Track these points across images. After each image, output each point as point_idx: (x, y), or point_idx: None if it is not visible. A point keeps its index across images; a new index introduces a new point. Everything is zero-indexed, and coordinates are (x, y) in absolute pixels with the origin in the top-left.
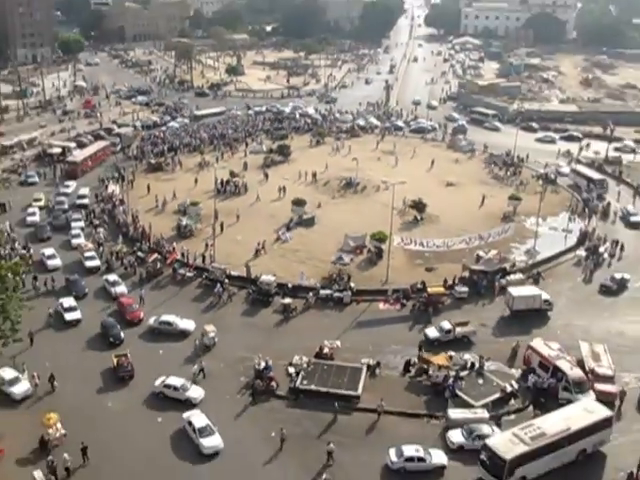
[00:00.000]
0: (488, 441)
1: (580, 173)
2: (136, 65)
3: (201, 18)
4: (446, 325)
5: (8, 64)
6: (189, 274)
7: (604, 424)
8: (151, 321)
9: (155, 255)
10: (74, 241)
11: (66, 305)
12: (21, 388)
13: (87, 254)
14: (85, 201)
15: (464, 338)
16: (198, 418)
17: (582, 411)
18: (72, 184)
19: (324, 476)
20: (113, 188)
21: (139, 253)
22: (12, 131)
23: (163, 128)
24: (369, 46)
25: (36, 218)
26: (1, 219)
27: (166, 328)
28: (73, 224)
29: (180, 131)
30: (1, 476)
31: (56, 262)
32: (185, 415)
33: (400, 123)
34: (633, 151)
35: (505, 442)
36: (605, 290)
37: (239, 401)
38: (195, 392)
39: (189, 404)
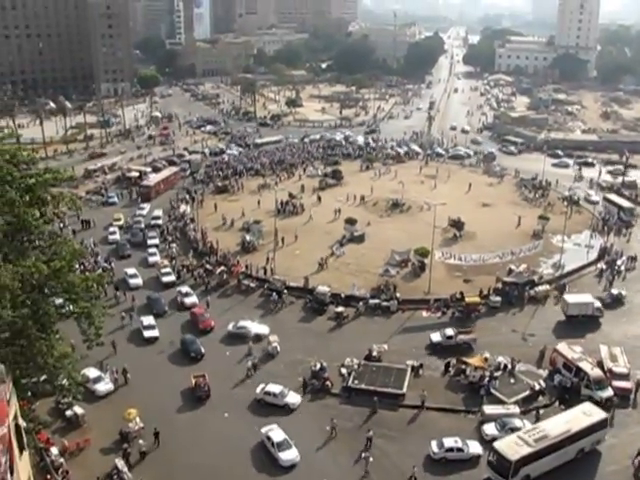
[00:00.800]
0: (495, 444)
1: (611, 201)
2: (205, 98)
3: (264, 56)
4: (449, 332)
5: (93, 97)
6: (252, 284)
7: (601, 425)
8: (230, 327)
9: (222, 267)
10: (151, 259)
11: (146, 323)
12: (104, 386)
13: (163, 270)
14: (159, 221)
15: (465, 344)
16: (276, 433)
17: (581, 414)
18: (147, 206)
19: (363, 455)
20: (184, 208)
21: (207, 266)
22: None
23: (224, 155)
24: (413, 81)
25: (117, 237)
26: (86, 235)
27: (243, 332)
28: (149, 241)
29: (242, 157)
30: (88, 462)
31: (137, 281)
32: (263, 430)
33: (440, 150)
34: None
35: (511, 445)
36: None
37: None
38: (293, 398)
39: (288, 409)
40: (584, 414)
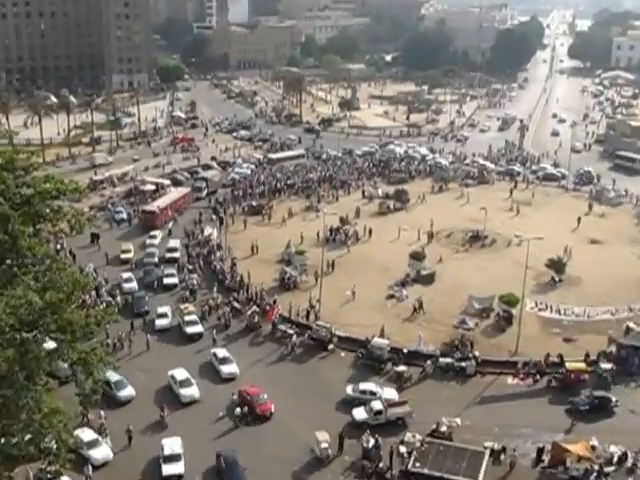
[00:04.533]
0: None
1: None
2: (240, 96)
3: (313, 45)
4: (377, 405)
5: (102, 92)
6: (290, 331)
7: None
8: (349, 390)
9: (254, 307)
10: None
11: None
12: (102, 453)
13: (188, 318)
14: (176, 254)
15: (398, 420)
16: None
17: None
18: (159, 233)
19: None
20: (210, 231)
21: (235, 304)
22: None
23: (233, 175)
24: (502, 80)
25: (133, 285)
26: (90, 258)
27: (367, 397)
28: (165, 280)
29: (275, 172)
30: None
31: (164, 322)
32: None
33: (535, 168)
34: None
35: None
36: None
37: None
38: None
39: None
40: None
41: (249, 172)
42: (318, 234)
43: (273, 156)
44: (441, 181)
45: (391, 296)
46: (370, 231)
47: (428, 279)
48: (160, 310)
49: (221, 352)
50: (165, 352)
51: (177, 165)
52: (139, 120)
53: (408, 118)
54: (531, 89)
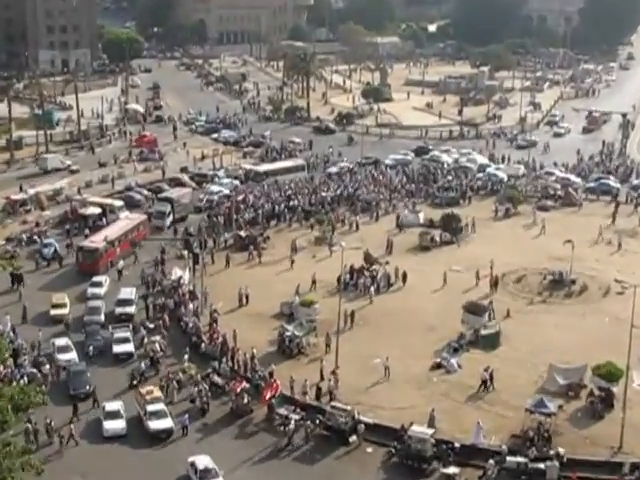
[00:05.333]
0: None
1: None
2: (222, 81)
3: (326, 10)
4: None
5: (24, 73)
6: (295, 416)
7: None
8: None
9: (243, 384)
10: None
11: None
12: None
13: (152, 408)
14: (130, 309)
15: None
16: None
17: None
18: (105, 279)
19: None
20: (179, 275)
21: (216, 378)
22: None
23: (206, 196)
24: (596, 58)
25: (71, 356)
26: (6, 310)
27: None
28: (115, 348)
29: (269, 190)
30: None
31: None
32: None
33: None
34: None
35: None
36: None
37: None
38: None
39: None
40: None
41: (234, 190)
42: (340, 279)
43: (260, 168)
44: (508, 202)
45: (437, 366)
46: (404, 275)
47: (490, 342)
48: (110, 407)
49: (202, 461)
50: (115, 456)
51: (133, 179)
52: (79, 115)
53: (460, 113)
54: (638, 70)
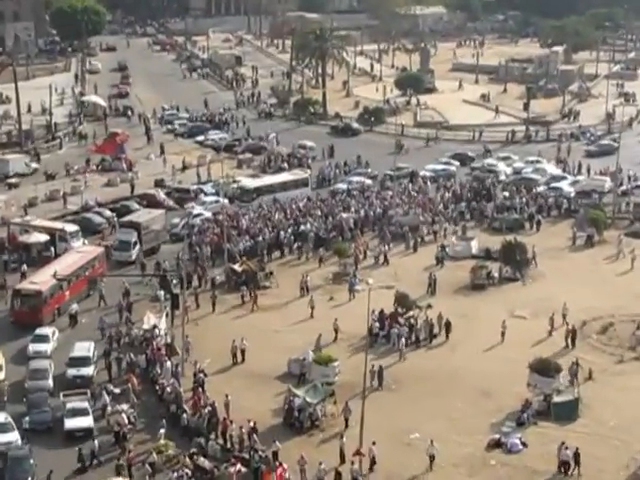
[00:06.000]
0: None
1: None
2: (210, 67)
3: None
4: None
5: None
6: None
7: None
8: None
9: (237, 467)
10: None
11: None
12: None
13: None
14: (87, 371)
15: None
16: None
17: None
18: (52, 331)
19: None
20: (154, 322)
21: (201, 460)
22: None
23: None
24: None
25: (10, 437)
26: None
27: None
28: (68, 423)
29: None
30: None
31: None
32: None
33: None
34: None
35: None
36: None
37: None
38: None
39: None
40: None
41: (207, 214)
42: (371, 329)
43: (249, 184)
44: (590, 227)
45: (495, 444)
46: (448, 325)
47: (566, 412)
48: None
49: None
50: None
51: (92, 196)
52: (19, 110)
53: (527, 107)
54: None
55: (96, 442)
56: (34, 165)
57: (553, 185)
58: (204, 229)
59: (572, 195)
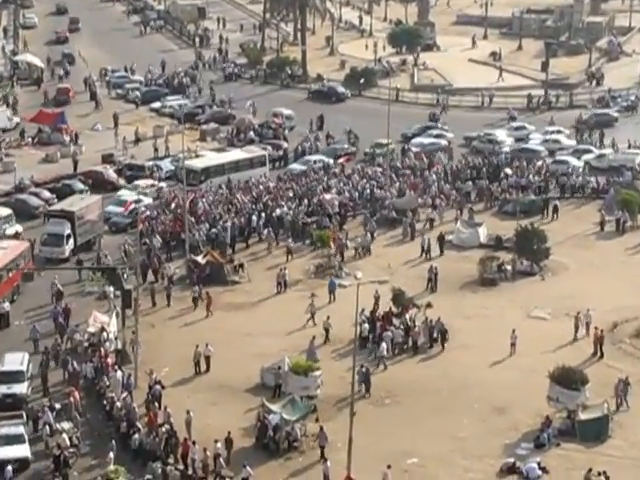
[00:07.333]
0: None
1: None
2: (168, 19)
3: None
4: None
5: None
6: None
7: None
8: None
9: None
10: None
11: None
12: None
13: None
14: (20, 389)
15: None
16: None
17: None
18: None
19: None
20: (103, 321)
21: None
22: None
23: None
24: None
25: None
26: None
27: None
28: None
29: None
30: None
31: None
32: None
33: None
34: None
35: None
36: None
37: None
38: None
39: None
40: None
41: (157, 197)
42: (360, 332)
43: (196, 164)
44: (621, 210)
45: (510, 469)
46: (443, 333)
47: (594, 431)
48: None
49: None
50: None
51: (27, 174)
52: None
53: (545, 67)
54: None
55: (67, 435)
56: (16, 119)
57: (560, 158)
58: (153, 216)
59: (580, 170)
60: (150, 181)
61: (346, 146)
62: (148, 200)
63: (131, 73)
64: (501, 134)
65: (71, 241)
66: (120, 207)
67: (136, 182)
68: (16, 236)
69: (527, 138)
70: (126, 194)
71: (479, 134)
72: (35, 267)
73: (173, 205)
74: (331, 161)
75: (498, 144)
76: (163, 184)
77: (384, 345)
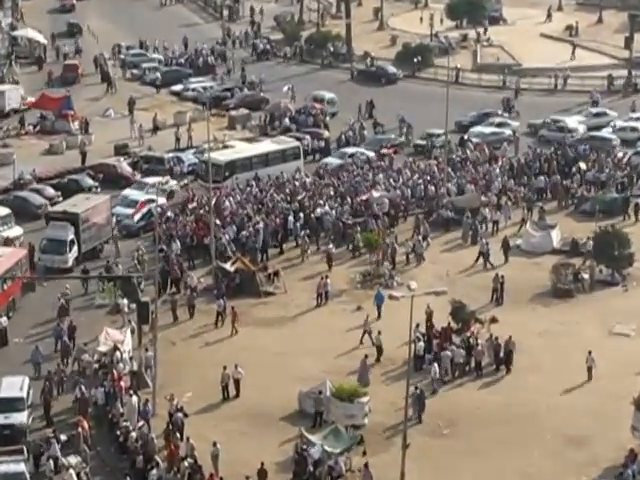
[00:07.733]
0: None
1: None
2: None
3: None
4: None
5: None
6: None
7: None
8: None
9: None
10: None
11: None
12: None
13: None
14: (19, 419)
15: None
16: None
17: None
18: None
19: None
20: (116, 339)
21: None
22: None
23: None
24: None
25: None
26: None
27: None
28: None
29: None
30: None
31: None
32: None
33: None
34: None
35: None
36: None
37: None
38: None
39: None
40: None
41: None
42: (421, 353)
43: (220, 158)
44: None
45: None
46: (509, 353)
47: None
48: None
49: None
50: None
51: (28, 168)
52: None
53: (629, 44)
54: None
55: (76, 471)
56: (30, 98)
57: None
58: (171, 218)
59: None
60: (159, 178)
61: (393, 136)
62: (161, 200)
63: (149, 51)
64: (572, 121)
65: (75, 248)
66: (129, 208)
67: (143, 179)
68: (8, 242)
69: (611, 126)
70: (134, 194)
71: (545, 120)
72: (37, 276)
73: (193, 204)
74: (371, 154)
75: (570, 132)
76: (185, 180)
77: (436, 367)
